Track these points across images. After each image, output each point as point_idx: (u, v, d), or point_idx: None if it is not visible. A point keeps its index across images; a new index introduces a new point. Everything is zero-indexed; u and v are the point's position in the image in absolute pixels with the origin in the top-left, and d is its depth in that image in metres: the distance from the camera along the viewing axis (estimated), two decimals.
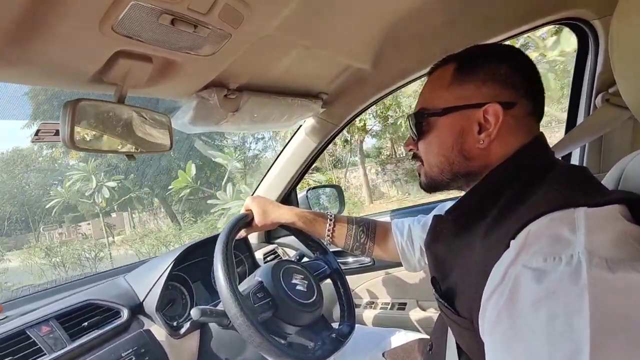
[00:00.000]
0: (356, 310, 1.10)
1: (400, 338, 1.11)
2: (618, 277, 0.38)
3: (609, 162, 1.04)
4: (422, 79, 1.08)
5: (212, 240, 0.99)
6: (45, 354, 0.80)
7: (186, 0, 0.54)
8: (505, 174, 0.59)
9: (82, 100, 0.60)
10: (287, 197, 1.59)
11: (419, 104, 0.69)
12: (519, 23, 0.94)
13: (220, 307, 0.85)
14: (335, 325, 1.04)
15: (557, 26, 1.01)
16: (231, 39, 0.68)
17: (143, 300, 1.03)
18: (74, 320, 0.90)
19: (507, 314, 0.42)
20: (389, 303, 1.49)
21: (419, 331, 1.31)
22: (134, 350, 0.89)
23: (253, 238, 1.64)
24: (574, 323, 0.36)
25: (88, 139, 0.63)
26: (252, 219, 1.02)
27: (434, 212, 0.91)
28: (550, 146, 0.65)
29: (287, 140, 1.49)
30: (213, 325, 1.04)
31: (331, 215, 1.05)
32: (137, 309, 1.01)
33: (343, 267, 1.15)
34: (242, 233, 1.02)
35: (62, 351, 0.82)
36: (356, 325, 1.04)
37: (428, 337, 1.08)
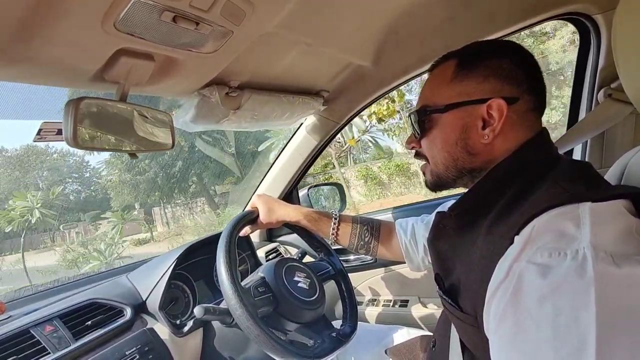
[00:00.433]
0: (358, 307, 1.10)
1: (403, 335, 1.11)
2: (624, 271, 0.37)
3: (611, 157, 1.04)
4: (423, 75, 1.08)
5: (215, 238, 0.99)
6: (49, 353, 0.80)
7: None
8: (508, 170, 0.59)
9: (84, 98, 0.60)
10: (289, 195, 1.59)
11: (421, 101, 0.68)
12: (521, 18, 0.94)
13: (223, 305, 0.85)
14: (336, 323, 1.04)
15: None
16: (233, 36, 0.67)
17: (146, 299, 1.03)
18: (78, 319, 0.90)
19: (512, 309, 0.42)
20: (391, 300, 1.49)
21: (421, 328, 1.31)
22: (137, 349, 0.89)
23: (255, 236, 1.64)
24: (580, 318, 0.36)
25: (90, 138, 0.63)
26: (257, 216, 1.02)
27: (437, 210, 0.91)
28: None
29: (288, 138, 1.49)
30: (216, 324, 1.04)
31: (336, 214, 1.05)
32: (140, 308, 1.02)
33: (345, 264, 1.14)
34: (247, 229, 1.02)
35: (66, 350, 0.82)
36: (358, 322, 1.04)
37: (430, 333, 1.08)
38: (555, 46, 11.15)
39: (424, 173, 0.73)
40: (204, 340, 1.07)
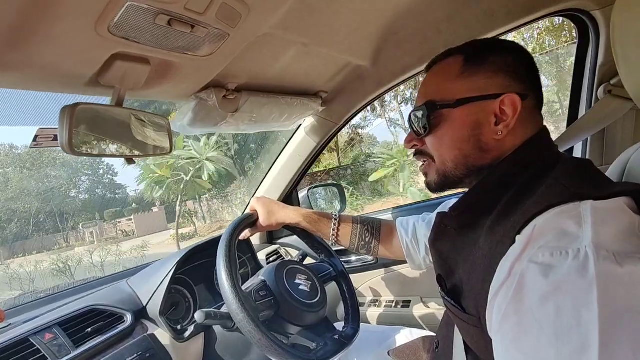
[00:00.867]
0: (360, 309, 1.10)
1: (406, 336, 1.10)
2: (626, 270, 0.37)
3: (612, 154, 1.03)
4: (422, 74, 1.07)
5: (215, 242, 0.98)
6: None
7: (183, 0, 0.53)
8: (510, 169, 0.59)
9: (79, 104, 0.60)
10: (289, 197, 1.59)
11: (424, 98, 0.66)
12: (520, 15, 0.93)
13: (224, 309, 0.84)
14: (338, 324, 1.03)
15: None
16: (229, 38, 0.67)
17: (146, 305, 1.02)
18: (78, 326, 0.89)
19: (514, 309, 0.42)
20: (393, 301, 1.48)
21: (424, 328, 1.31)
22: (138, 355, 0.88)
23: (255, 239, 1.63)
24: (582, 317, 0.36)
25: (87, 144, 0.62)
26: (257, 219, 1.01)
27: (438, 210, 0.90)
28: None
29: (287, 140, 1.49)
30: (217, 328, 1.04)
31: (336, 215, 1.05)
32: (141, 314, 1.01)
33: (346, 265, 1.14)
34: (246, 233, 1.01)
35: (67, 358, 0.81)
36: (360, 324, 1.03)
37: (433, 334, 1.08)
38: None
39: (425, 174, 0.71)
40: (205, 345, 1.06)
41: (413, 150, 0.72)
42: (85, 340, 0.87)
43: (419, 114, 0.66)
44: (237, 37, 0.68)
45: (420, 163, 0.72)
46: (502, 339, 0.43)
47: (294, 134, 1.43)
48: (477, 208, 0.60)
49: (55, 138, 0.69)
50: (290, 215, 1.03)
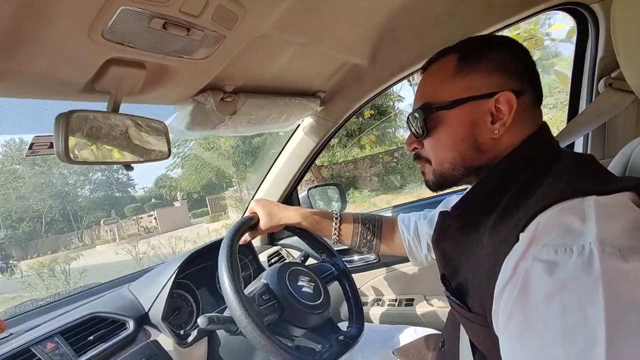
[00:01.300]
0: (363, 308, 1.09)
1: (410, 335, 1.10)
2: (632, 266, 0.37)
3: (613, 147, 1.03)
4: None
5: (216, 245, 0.97)
6: None
7: (177, 3, 0.52)
8: (511, 166, 0.58)
9: (75, 112, 0.59)
10: (289, 198, 1.58)
11: (421, 100, 0.66)
12: (518, 9, 0.92)
13: (226, 313, 0.84)
14: (342, 324, 1.03)
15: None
16: (225, 40, 0.66)
17: (148, 310, 1.01)
18: (79, 334, 0.88)
19: (519, 308, 0.41)
20: (395, 299, 1.48)
21: (427, 326, 1.30)
22: None
23: (256, 240, 1.63)
24: (588, 315, 0.35)
25: (84, 152, 0.61)
26: (257, 222, 1.01)
27: (439, 208, 0.90)
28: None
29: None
30: (221, 332, 1.03)
31: (337, 214, 1.04)
32: (143, 320, 1.00)
33: (348, 265, 1.13)
34: (246, 237, 1.00)
35: None
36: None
37: (437, 332, 1.07)
38: None
39: (423, 173, 0.71)
40: (209, 350, 1.05)
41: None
42: (87, 348, 0.86)
43: (416, 116, 0.65)
44: (233, 39, 0.67)
45: (419, 165, 0.71)
46: (509, 337, 0.43)
47: (293, 134, 1.42)
48: (478, 207, 0.60)
49: (51, 145, 0.68)
50: (290, 215, 1.02)
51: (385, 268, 1.48)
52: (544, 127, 0.61)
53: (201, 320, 0.80)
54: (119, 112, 0.69)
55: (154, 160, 0.78)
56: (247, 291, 0.89)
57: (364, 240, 1.03)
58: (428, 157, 0.67)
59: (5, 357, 0.77)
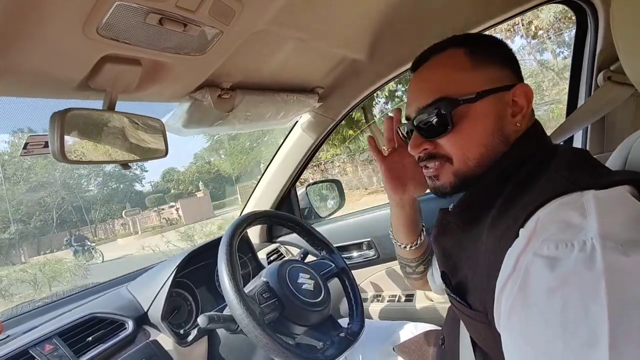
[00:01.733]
0: (363, 304, 1.09)
1: (410, 330, 1.10)
2: (633, 260, 0.36)
3: (612, 141, 1.02)
4: None
5: (215, 244, 0.97)
6: None
7: None
8: (509, 163, 0.58)
9: (70, 110, 0.57)
10: (287, 194, 1.57)
11: (434, 93, 0.60)
12: (519, 2, 0.92)
13: (226, 311, 0.83)
14: (342, 321, 1.03)
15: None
16: (223, 36, 0.65)
17: (147, 310, 1.00)
18: (78, 335, 0.87)
19: (520, 303, 0.41)
20: (395, 295, 1.48)
21: (428, 322, 1.30)
22: None
23: (255, 238, 1.62)
24: (590, 310, 0.35)
25: (80, 150, 0.60)
26: (256, 219, 0.99)
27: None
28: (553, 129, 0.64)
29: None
30: (221, 331, 1.03)
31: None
32: (142, 320, 0.99)
33: (347, 262, 1.13)
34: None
35: None
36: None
37: (437, 328, 1.07)
38: None
39: (436, 177, 0.64)
40: (209, 348, 1.05)
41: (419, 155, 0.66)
42: (86, 349, 0.85)
43: (432, 112, 0.59)
44: (231, 35, 0.66)
45: (430, 167, 0.65)
46: (510, 333, 0.43)
47: (291, 131, 1.41)
48: (478, 204, 0.59)
49: (46, 145, 0.67)
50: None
51: (383, 264, 1.48)
52: (537, 123, 0.61)
53: (201, 319, 0.80)
54: (115, 110, 0.67)
55: (151, 158, 0.77)
56: (247, 289, 0.88)
57: (430, 258, 0.94)
58: (448, 155, 0.61)
59: None
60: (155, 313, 0.98)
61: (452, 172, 0.62)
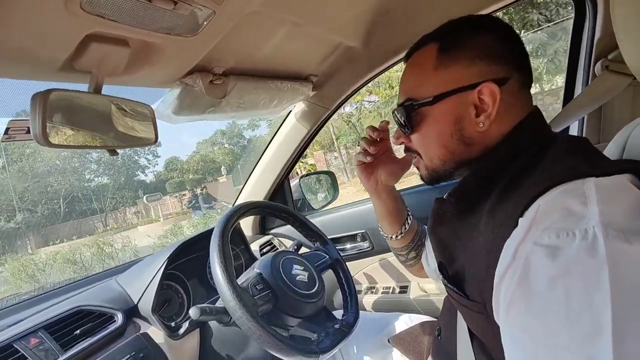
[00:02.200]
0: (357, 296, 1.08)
1: (404, 322, 1.09)
2: (636, 248, 0.36)
3: (609, 131, 1.02)
4: None
5: (206, 234, 0.95)
6: None
7: None
8: (506, 153, 0.56)
9: (52, 91, 0.54)
10: (281, 185, 1.55)
11: (404, 94, 0.63)
12: None
13: (219, 303, 0.82)
14: (336, 312, 1.02)
15: None
16: (215, 16, 0.62)
17: (138, 302, 0.98)
18: (65, 329, 0.84)
19: (520, 294, 0.40)
20: (389, 287, 1.47)
21: (422, 313, 1.30)
22: (131, 356, 0.85)
23: (248, 229, 1.60)
24: (593, 299, 0.34)
25: (62, 134, 0.57)
26: (248, 210, 0.98)
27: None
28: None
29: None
30: (213, 323, 1.01)
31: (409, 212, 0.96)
32: (132, 312, 0.97)
33: (341, 253, 1.12)
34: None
35: None
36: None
37: (432, 319, 1.07)
38: None
39: (418, 168, 0.69)
40: (201, 341, 1.03)
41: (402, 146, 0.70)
42: (73, 343, 0.83)
43: (401, 112, 0.63)
44: (223, 15, 0.63)
45: (413, 159, 0.70)
46: (510, 325, 0.42)
47: (284, 120, 1.39)
48: (474, 193, 0.58)
49: (28, 130, 0.64)
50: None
51: (377, 256, 1.47)
52: (535, 112, 0.59)
53: (193, 312, 0.79)
54: (102, 94, 0.64)
55: (140, 146, 0.74)
56: (240, 281, 0.87)
57: (419, 243, 0.96)
58: (418, 152, 0.66)
59: None
60: (146, 305, 0.96)
61: (424, 166, 0.66)
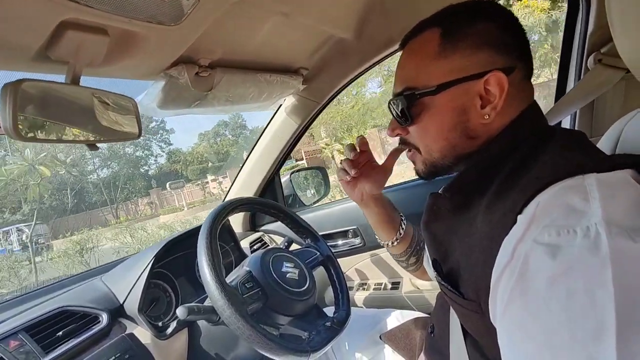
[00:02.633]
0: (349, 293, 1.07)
1: (396, 318, 1.09)
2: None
3: (601, 125, 1.02)
4: None
5: (194, 232, 0.92)
6: None
7: None
8: (504, 146, 0.55)
9: (24, 81, 0.51)
10: (271, 181, 1.53)
11: (402, 83, 0.60)
12: None
13: (207, 302, 0.80)
14: (327, 309, 1.01)
15: None
16: (199, 4, 0.59)
17: (124, 302, 0.95)
18: (47, 330, 0.82)
19: (519, 293, 0.39)
20: (381, 283, 1.46)
21: (414, 309, 1.29)
22: (116, 357, 0.82)
23: (238, 226, 1.58)
24: (596, 298, 0.33)
25: (36, 128, 0.54)
26: (237, 207, 0.95)
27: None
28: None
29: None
30: (202, 322, 0.99)
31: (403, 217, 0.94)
32: (118, 312, 0.94)
33: (333, 250, 1.11)
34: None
35: None
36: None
37: (424, 315, 1.06)
38: None
39: (413, 162, 0.66)
40: (189, 341, 1.01)
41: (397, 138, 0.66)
42: (56, 345, 0.80)
43: (398, 102, 0.59)
44: (208, 3, 0.60)
45: (409, 152, 0.66)
46: (508, 325, 0.41)
47: (274, 115, 1.36)
48: (471, 188, 0.56)
49: None
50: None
51: (369, 252, 1.46)
52: (535, 104, 0.57)
53: (180, 311, 0.77)
54: (80, 85, 0.61)
55: (122, 140, 0.71)
56: (229, 279, 0.85)
57: (418, 248, 0.94)
58: (415, 145, 0.62)
59: None
60: (132, 305, 0.93)
61: (421, 160, 0.63)
